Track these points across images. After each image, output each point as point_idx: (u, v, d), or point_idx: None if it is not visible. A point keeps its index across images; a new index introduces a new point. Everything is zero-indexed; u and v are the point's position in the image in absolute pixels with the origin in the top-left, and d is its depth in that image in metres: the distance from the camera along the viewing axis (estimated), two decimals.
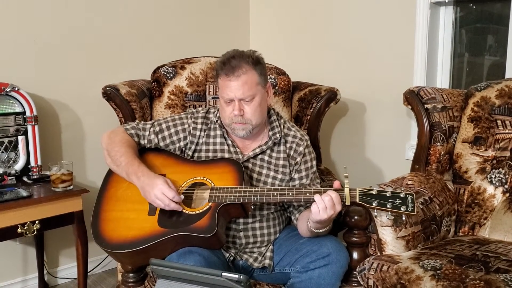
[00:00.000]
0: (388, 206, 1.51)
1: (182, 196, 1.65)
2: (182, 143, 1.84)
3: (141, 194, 1.66)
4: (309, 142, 1.87)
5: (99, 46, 2.62)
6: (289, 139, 1.85)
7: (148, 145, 1.84)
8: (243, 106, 1.71)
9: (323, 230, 1.64)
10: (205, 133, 1.84)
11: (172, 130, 1.84)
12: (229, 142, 1.82)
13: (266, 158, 1.82)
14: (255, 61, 1.72)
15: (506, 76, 2.23)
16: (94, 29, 2.59)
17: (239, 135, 1.77)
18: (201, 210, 1.63)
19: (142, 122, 1.89)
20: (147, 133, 1.83)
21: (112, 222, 1.68)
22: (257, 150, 1.81)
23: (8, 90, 2.19)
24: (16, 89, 2.22)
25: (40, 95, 2.44)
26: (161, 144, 1.83)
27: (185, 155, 1.84)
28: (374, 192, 1.53)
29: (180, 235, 1.58)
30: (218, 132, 1.84)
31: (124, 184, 1.74)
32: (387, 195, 1.52)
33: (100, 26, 2.61)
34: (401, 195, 1.51)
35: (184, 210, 1.64)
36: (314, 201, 1.52)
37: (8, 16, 2.34)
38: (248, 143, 1.84)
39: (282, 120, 1.88)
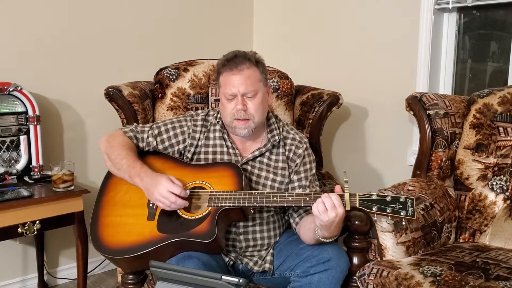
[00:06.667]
0: (388, 211, 1.50)
1: (188, 192, 1.65)
2: (181, 146, 1.83)
3: (145, 195, 1.66)
4: (308, 145, 1.87)
5: (103, 47, 2.63)
6: (288, 141, 1.85)
7: (147, 148, 1.83)
8: (246, 102, 1.72)
9: (331, 240, 1.62)
10: (205, 135, 1.84)
11: (171, 133, 1.83)
12: (229, 143, 1.82)
13: (265, 160, 1.82)
14: (257, 60, 1.76)
15: (509, 83, 2.23)
16: (98, 30, 2.60)
17: (240, 134, 1.76)
18: (200, 215, 1.62)
19: (141, 124, 1.89)
20: (145, 136, 1.82)
21: (111, 227, 1.67)
22: (256, 153, 1.81)
23: (10, 89, 2.20)
24: (19, 88, 2.22)
25: (43, 95, 2.45)
26: (160, 147, 1.83)
27: (184, 157, 1.84)
28: (374, 197, 1.52)
29: (180, 240, 1.57)
30: (218, 134, 1.83)
31: (123, 188, 1.74)
32: (387, 199, 1.51)
33: (103, 27, 2.61)
34: (401, 200, 1.51)
35: (183, 215, 1.64)
36: (315, 202, 1.51)
37: (11, 15, 2.34)
38: (248, 145, 1.84)
39: (281, 123, 1.88)
